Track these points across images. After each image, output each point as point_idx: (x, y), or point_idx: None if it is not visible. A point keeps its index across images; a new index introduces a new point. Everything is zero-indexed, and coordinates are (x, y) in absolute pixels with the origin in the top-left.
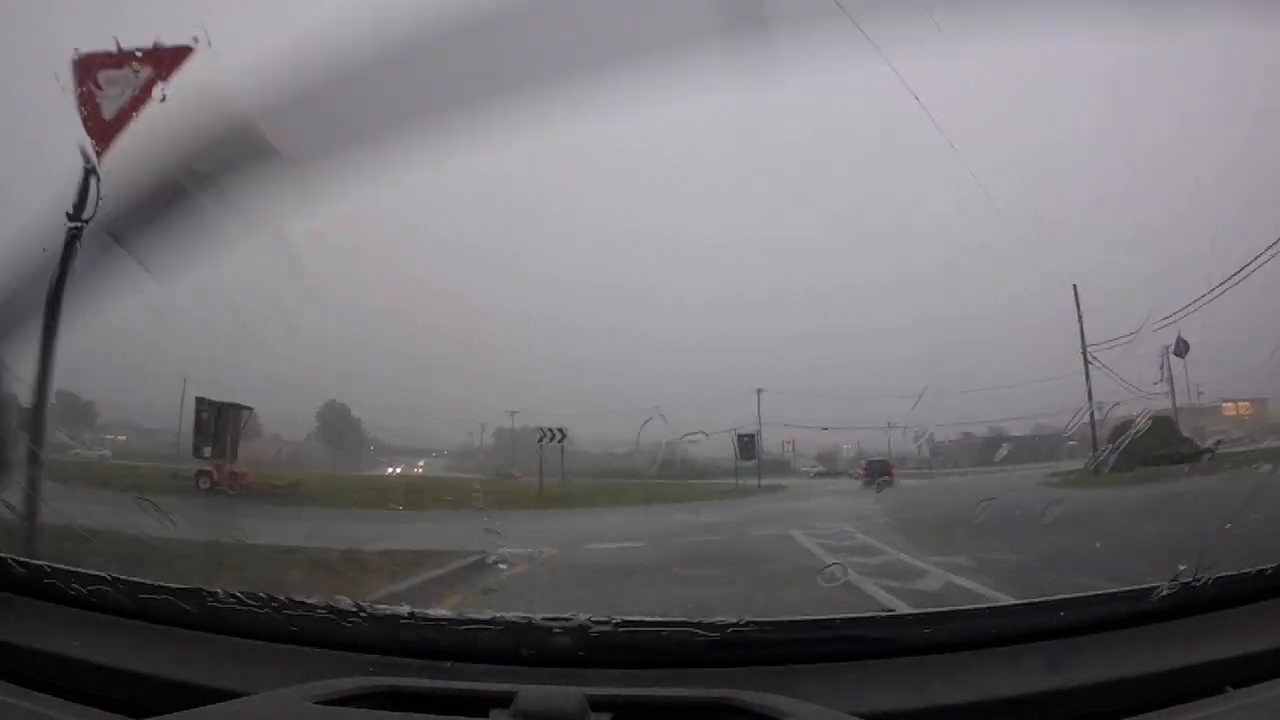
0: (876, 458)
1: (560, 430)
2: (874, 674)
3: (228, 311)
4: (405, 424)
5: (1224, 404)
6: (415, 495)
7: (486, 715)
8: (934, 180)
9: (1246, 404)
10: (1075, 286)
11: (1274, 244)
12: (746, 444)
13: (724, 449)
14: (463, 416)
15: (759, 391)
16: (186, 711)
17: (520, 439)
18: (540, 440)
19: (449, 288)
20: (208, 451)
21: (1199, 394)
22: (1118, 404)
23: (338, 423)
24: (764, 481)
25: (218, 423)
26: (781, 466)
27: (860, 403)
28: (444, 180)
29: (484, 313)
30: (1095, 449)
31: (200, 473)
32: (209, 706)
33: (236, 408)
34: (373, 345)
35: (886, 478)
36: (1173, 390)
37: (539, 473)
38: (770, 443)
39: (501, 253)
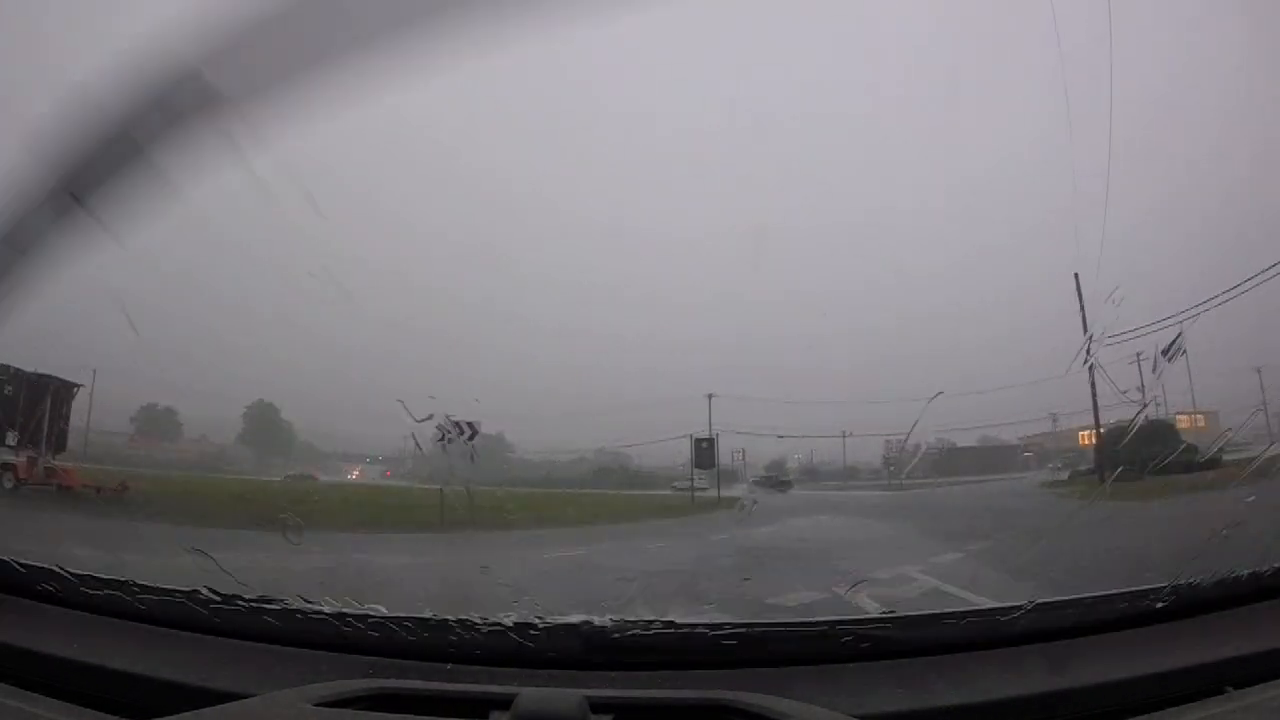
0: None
1: (470, 425)
2: (873, 675)
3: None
4: (343, 427)
5: (1179, 416)
6: (240, 506)
7: (486, 717)
8: (910, 182)
9: (1201, 416)
10: (1077, 276)
11: (1272, 266)
12: (705, 450)
13: (675, 456)
14: (400, 418)
15: (710, 396)
16: (186, 714)
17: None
18: (442, 440)
19: (406, 276)
20: (10, 438)
21: (1157, 405)
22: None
23: (265, 424)
24: (722, 494)
25: (25, 401)
26: (730, 477)
27: (814, 411)
28: (392, 154)
29: (432, 304)
30: (1099, 456)
31: (4, 466)
32: (209, 709)
33: (59, 383)
34: (308, 339)
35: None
36: (1142, 398)
37: (442, 481)
38: (720, 452)
39: (452, 237)
